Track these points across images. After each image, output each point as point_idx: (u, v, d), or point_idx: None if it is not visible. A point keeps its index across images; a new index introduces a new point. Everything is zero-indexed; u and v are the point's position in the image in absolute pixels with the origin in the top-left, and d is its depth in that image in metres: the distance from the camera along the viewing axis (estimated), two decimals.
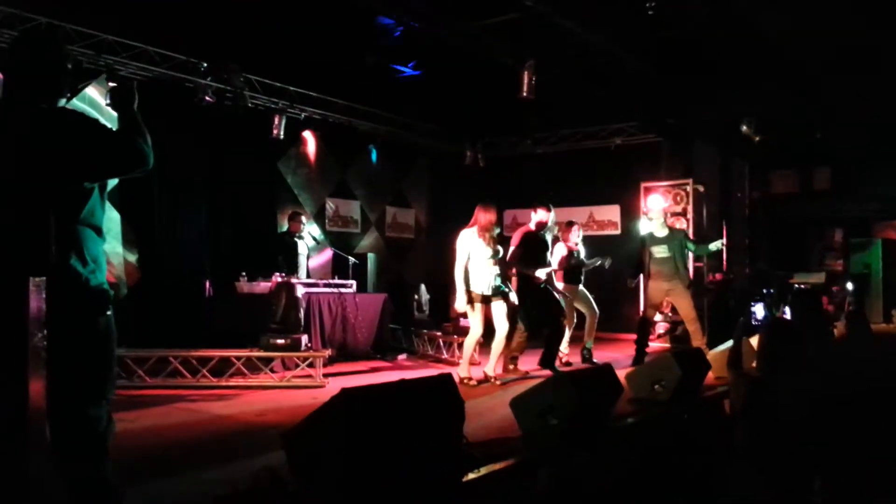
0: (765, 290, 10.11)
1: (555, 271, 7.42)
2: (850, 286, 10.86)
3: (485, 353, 7.09)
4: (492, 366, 6.64)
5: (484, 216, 6.45)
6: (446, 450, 3.23)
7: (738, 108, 9.95)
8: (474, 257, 6.40)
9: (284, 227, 9.24)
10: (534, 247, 6.96)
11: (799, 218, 12.56)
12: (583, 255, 8.14)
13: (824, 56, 9.01)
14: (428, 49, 9.27)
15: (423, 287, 9.95)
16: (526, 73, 8.90)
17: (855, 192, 11.78)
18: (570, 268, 7.85)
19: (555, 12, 7.80)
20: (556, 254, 7.74)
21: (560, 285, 7.68)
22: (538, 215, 7.04)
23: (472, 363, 6.72)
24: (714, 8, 7.94)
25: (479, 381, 6.50)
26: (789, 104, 9.74)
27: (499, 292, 6.52)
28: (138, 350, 6.29)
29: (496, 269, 6.51)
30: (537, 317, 6.99)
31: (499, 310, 6.51)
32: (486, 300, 6.46)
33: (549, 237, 7.32)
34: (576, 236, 8.07)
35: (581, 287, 8.03)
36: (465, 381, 6.42)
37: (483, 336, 6.64)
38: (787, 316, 7.41)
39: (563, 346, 7.61)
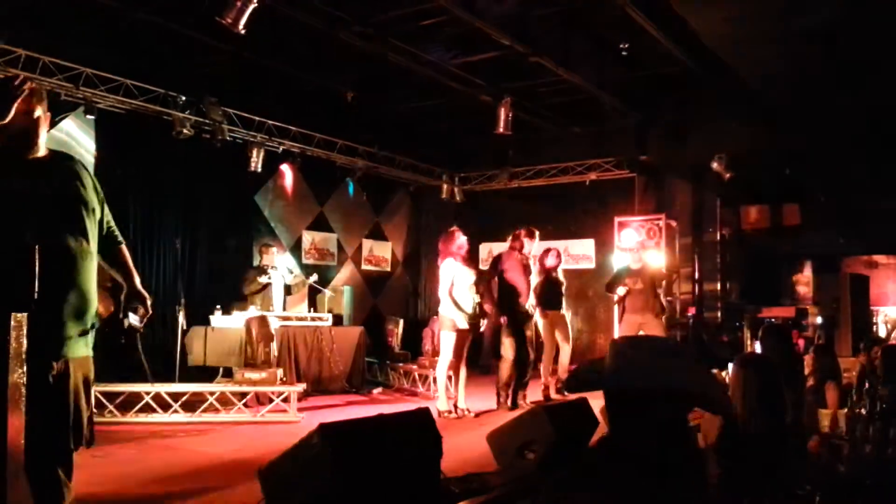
0: (736, 324, 10.25)
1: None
2: (819, 320, 11.04)
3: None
4: (462, 398, 6.62)
5: (455, 244, 6.50)
6: (424, 485, 3.23)
7: (709, 145, 10.18)
8: (458, 284, 6.43)
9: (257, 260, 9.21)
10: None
11: (769, 252, 12.78)
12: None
13: (792, 95, 9.30)
14: (407, 84, 9.42)
15: (399, 321, 9.92)
16: (503, 109, 9.07)
17: (823, 227, 12.03)
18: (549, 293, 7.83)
19: (532, 51, 7.99)
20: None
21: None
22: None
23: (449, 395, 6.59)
24: (686, 49, 8.19)
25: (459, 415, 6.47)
26: (758, 142, 9.99)
27: (479, 318, 6.55)
28: (109, 384, 6.17)
29: (475, 296, 6.53)
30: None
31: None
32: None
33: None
34: (552, 260, 7.97)
35: (562, 311, 7.93)
36: (445, 414, 6.36)
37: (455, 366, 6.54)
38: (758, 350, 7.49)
39: (545, 377, 7.57)
